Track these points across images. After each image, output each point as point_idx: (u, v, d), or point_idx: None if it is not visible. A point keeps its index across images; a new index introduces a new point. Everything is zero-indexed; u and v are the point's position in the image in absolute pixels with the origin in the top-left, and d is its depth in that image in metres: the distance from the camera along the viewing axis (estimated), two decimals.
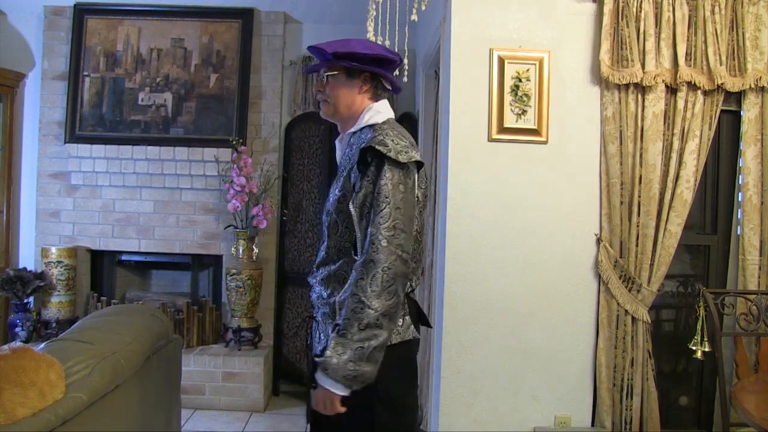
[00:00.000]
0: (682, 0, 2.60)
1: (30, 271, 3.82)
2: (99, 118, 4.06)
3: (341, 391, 1.47)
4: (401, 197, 1.49)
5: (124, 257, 4.20)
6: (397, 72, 1.79)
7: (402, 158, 1.50)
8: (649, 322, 2.67)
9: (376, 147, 1.51)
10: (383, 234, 1.47)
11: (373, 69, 1.65)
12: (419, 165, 1.58)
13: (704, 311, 2.53)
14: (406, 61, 2.61)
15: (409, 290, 1.63)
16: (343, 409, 1.49)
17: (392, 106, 3.76)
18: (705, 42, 2.60)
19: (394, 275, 1.45)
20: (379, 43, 2.51)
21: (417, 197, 1.58)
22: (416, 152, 1.56)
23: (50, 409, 1.41)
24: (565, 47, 2.66)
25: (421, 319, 1.69)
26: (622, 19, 2.60)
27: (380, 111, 1.66)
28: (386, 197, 1.48)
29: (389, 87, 1.71)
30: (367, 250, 1.48)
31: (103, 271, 4.20)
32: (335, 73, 1.67)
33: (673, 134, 2.62)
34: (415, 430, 1.69)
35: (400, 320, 1.58)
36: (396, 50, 2.40)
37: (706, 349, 2.52)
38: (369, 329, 1.43)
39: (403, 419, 1.62)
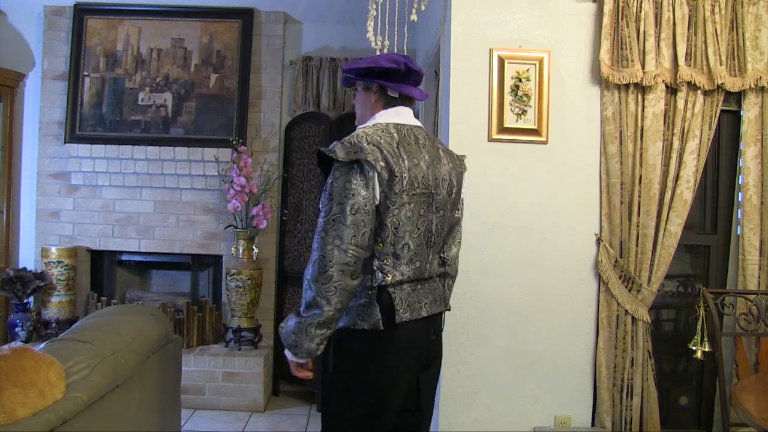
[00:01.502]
0: (682, 0, 2.60)
1: (30, 271, 3.82)
2: (99, 118, 4.06)
3: (290, 357, 1.69)
4: (346, 194, 1.62)
5: (124, 257, 4.19)
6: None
7: (344, 157, 1.63)
8: (649, 322, 2.67)
9: (320, 149, 1.69)
10: (323, 226, 1.63)
11: (372, 80, 1.81)
12: (391, 167, 1.66)
13: (704, 311, 2.53)
14: None
15: (382, 282, 1.69)
16: (304, 375, 1.73)
17: None
18: (705, 42, 2.60)
19: (329, 263, 1.60)
20: (379, 42, 2.51)
21: (383, 193, 1.65)
22: (372, 154, 1.63)
23: (50, 409, 1.40)
24: (565, 47, 2.66)
25: (389, 314, 1.71)
26: (622, 19, 2.60)
27: (376, 117, 1.80)
28: (330, 194, 1.65)
29: (395, 95, 1.81)
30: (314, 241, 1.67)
31: (103, 271, 4.20)
32: (356, 87, 1.89)
33: (673, 134, 2.62)
34: (377, 414, 1.72)
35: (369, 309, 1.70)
36: (396, 50, 2.41)
37: (706, 349, 2.52)
38: (309, 309, 1.62)
39: (356, 400, 1.72)
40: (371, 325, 1.69)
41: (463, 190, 1.93)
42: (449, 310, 1.99)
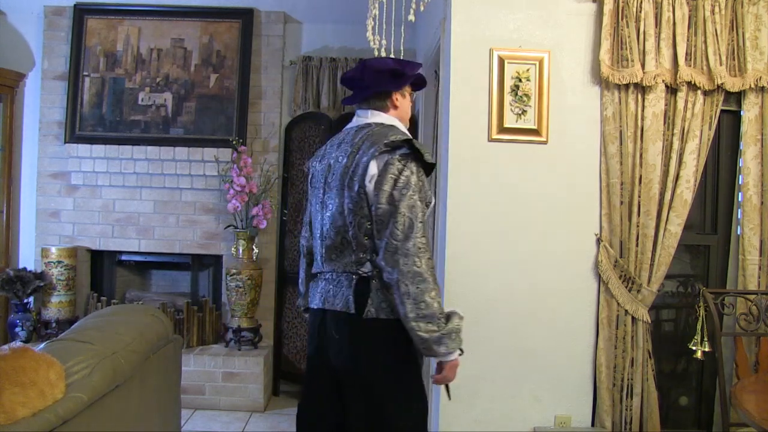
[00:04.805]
0: (682, 0, 2.60)
1: (30, 271, 3.81)
2: (99, 118, 4.06)
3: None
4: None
5: (124, 257, 4.19)
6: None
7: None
8: (649, 322, 2.67)
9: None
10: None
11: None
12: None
13: (704, 311, 2.53)
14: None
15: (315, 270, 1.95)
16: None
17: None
18: (705, 42, 2.60)
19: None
20: (377, 42, 2.51)
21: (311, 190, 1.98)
22: (314, 158, 1.99)
23: (50, 409, 1.40)
24: (565, 47, 2.66)
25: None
26: (622, 19, 2.60)
27: None
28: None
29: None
30: None
31: (103, 271, 4.19)
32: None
33: (673, 134, 2.62)
34: (307, 376, 2.02)
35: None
36: (393, 50, 2.42)
37: (706, 349, 2.52)
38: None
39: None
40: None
41: (367, 180, 1.70)
42: (353, 313, 1.72)
